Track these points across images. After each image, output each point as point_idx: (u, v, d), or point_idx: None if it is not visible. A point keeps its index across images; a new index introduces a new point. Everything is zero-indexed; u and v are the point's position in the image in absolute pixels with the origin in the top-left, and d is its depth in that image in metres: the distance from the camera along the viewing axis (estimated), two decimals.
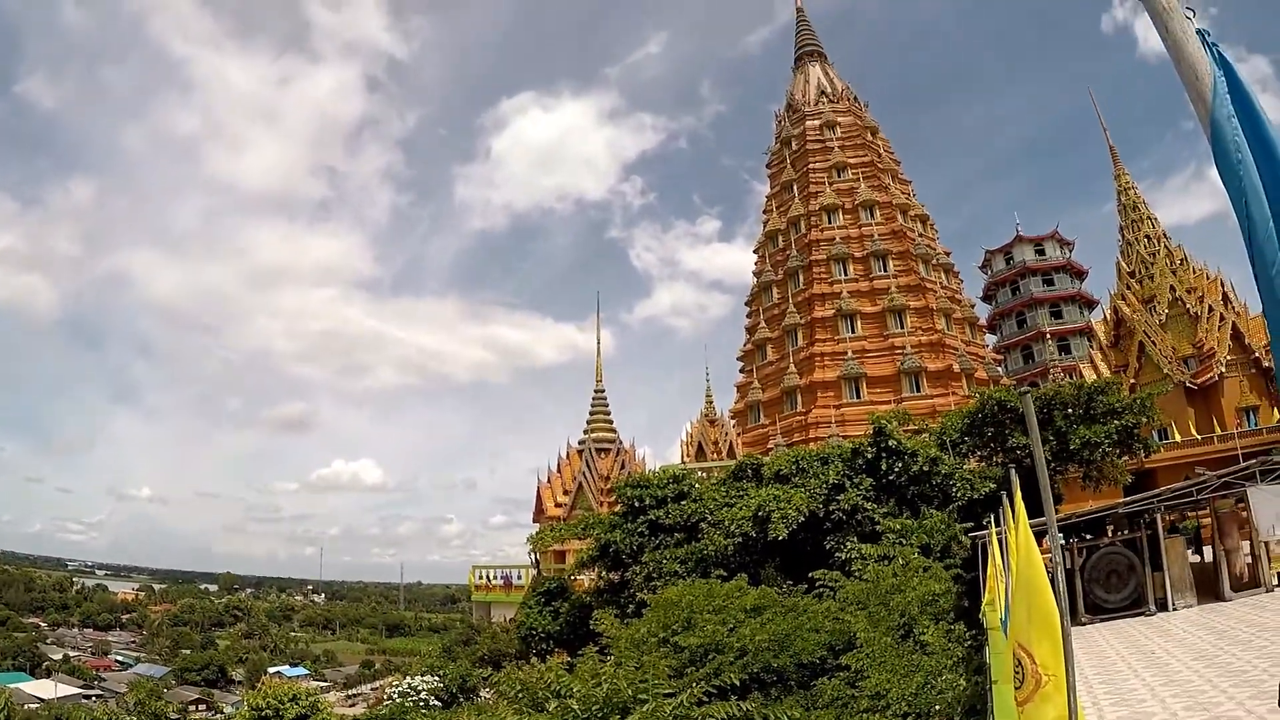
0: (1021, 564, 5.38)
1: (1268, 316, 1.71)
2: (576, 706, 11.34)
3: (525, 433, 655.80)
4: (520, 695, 13.46)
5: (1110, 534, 25.70)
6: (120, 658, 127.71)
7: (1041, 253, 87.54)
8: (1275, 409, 53.66)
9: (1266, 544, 20.63)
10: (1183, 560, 21.63)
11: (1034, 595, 5.12)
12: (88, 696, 79.03)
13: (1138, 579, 21.59)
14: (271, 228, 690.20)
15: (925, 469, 32.47)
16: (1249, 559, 21.71)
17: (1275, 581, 20.45)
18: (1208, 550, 25.32)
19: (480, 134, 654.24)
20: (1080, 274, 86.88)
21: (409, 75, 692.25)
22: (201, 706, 79.48)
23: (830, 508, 32.29)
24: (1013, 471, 6.38)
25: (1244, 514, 21.84)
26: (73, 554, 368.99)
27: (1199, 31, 2.13)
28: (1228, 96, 2.03)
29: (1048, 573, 4.98)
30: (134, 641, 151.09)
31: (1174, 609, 20.35)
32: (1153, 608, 20.75)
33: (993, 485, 31.76)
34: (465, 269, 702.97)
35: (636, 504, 36.99)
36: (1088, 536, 25.12)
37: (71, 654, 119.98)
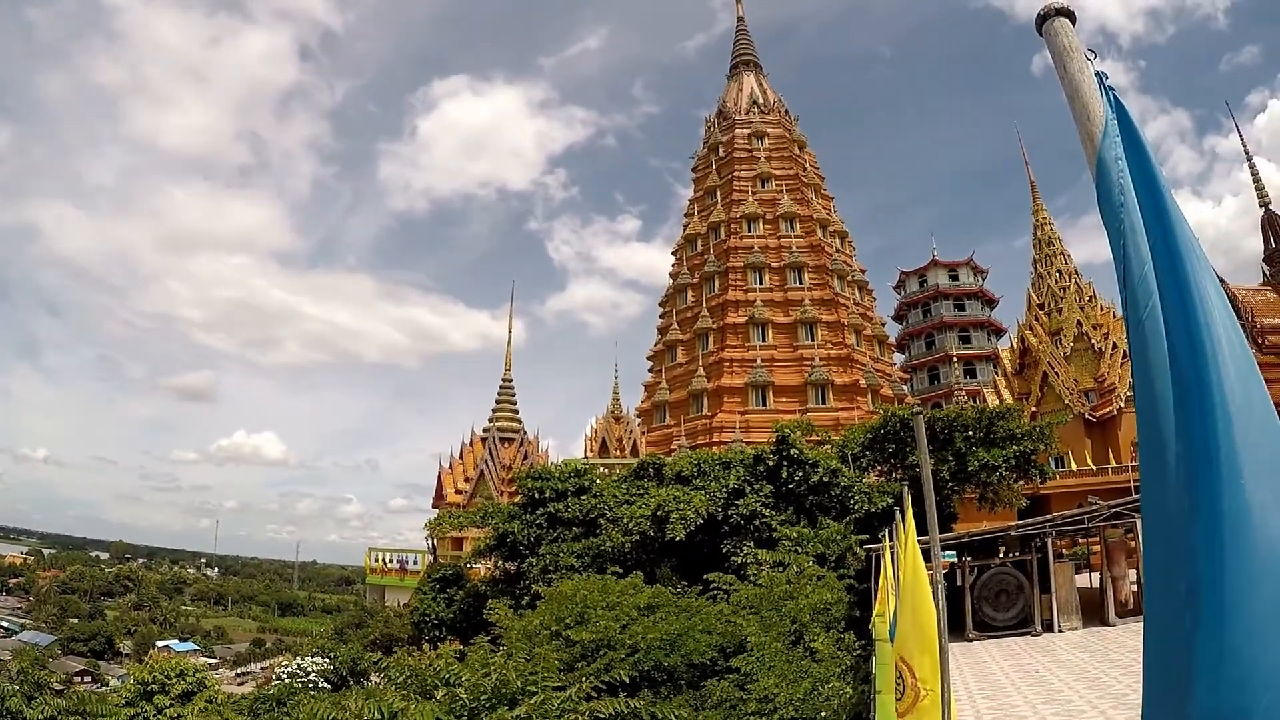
0: (908, 579, 5.50)
1: (1134, 359, 1.77)
2: (464, 695, 11.23)
3: (432, 418, 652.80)
4: (409, 681, 13.32)
5: (1002, 555, 26.39)
6: (4, 623, 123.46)
7: (955, 278, 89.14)
8: None
9: None
10: (1070, 584, 22.29)
11: (918, 611, 5.24)
12: None
13: (1026, 599, 22.16)
14: (189, 190, 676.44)
15: (825, 480, 32.91)
16: (1134, 587, 22.45)
17: None
18: (1095, 576, 26.10)
19: (409, 112, 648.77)
20: (991, 302, 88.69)
21: (343, 47, 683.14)
22: (87, 678, 77.10)
23: (729, 512, 32.57)
24: (905, 488, 6.52)
25: (1132, 543, 22.60)
26: None
27: (1097, 73, 2.21)
28: (1118, 138, 2.10)
29: (932, 590, 5.11)
30: (19, 608, 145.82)
31: (1059, 630, 20.95)
32: (1039, 628, 21.33)
33: (890, 500, 32.25)
34: (383, 248, 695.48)
35: (537, 495, 36.88)
36: (980, 556, 25.75)
37: None
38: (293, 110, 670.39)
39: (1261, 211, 49.69)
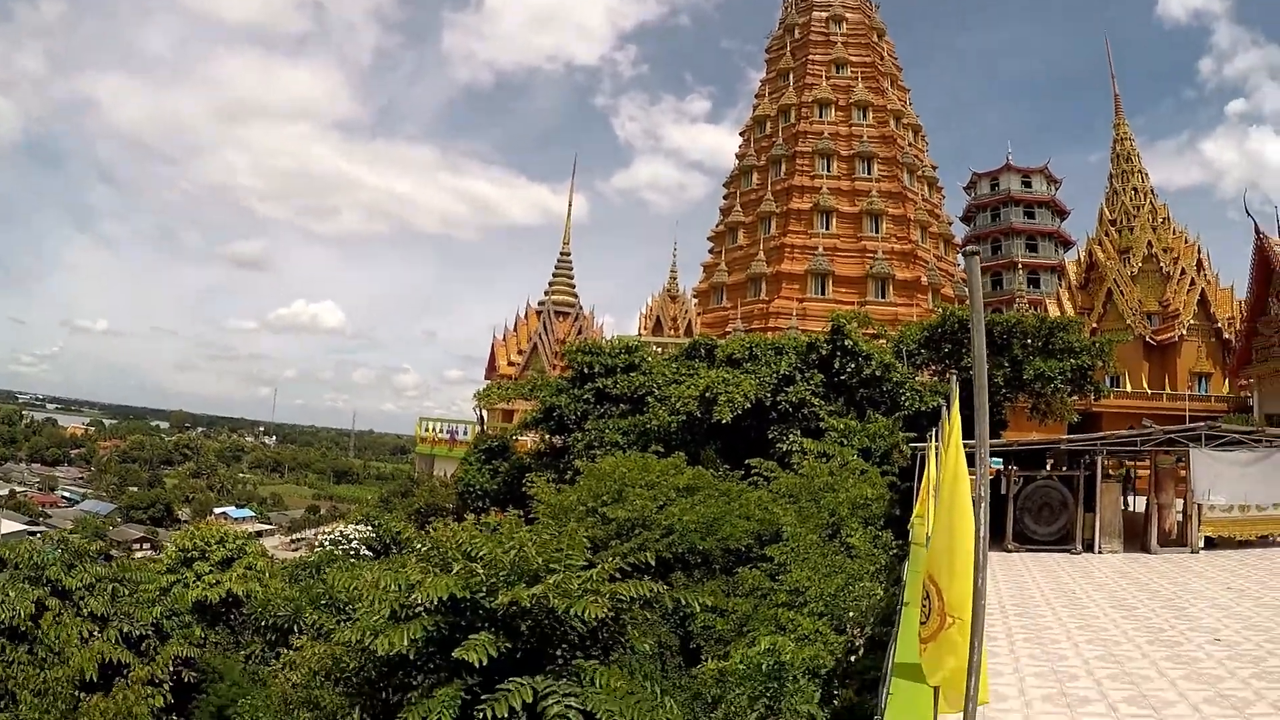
0: (947, 488, 5.05)
1: None
2: (481, 571, 11.12)
3: (490, 290, 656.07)
4: (431, 553, 13.29)
5: (1049, 468, 25.98)
6: (67, 494, 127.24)
7: (1028, 185, 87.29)
8: (1227, 379, 54.70)
9: (1199, 506, 20.85)
10: (1116, 506, 21.83)
11: (954, 528, 4.74)
12: (33, 532, 78.82)
13: (1069, 516, 21.78)
14: (247, 59, 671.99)
15: (877, 374, 32.50)
16: (1180, 517, 21.98)
17: (1201, 544, 20.71)
18: (1140, 501, 25.66)
19: None
20: (1062, 213, 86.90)
21: None
22: (146, 545, 79.20)
23: (778, 398, 32.33)
24: (955, 382, 6.06)
25: (1182, 473, 22.05)
26: (24, 387, 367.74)
27: None
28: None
29: (974, 507, 4.63)
30: (81, 478, 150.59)
31: (1100, 552, 20.59)
32: (1079, 547, 20.98)
33: (942, 400, 31.91)
34: (445, 119, 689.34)
35: (586, 370, 36.85)
36: (1027, 467, 25.38)
37: (18, 489, 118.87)
38: None
39: None
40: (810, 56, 73.43)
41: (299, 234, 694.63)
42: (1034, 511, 22.44)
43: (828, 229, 65.96)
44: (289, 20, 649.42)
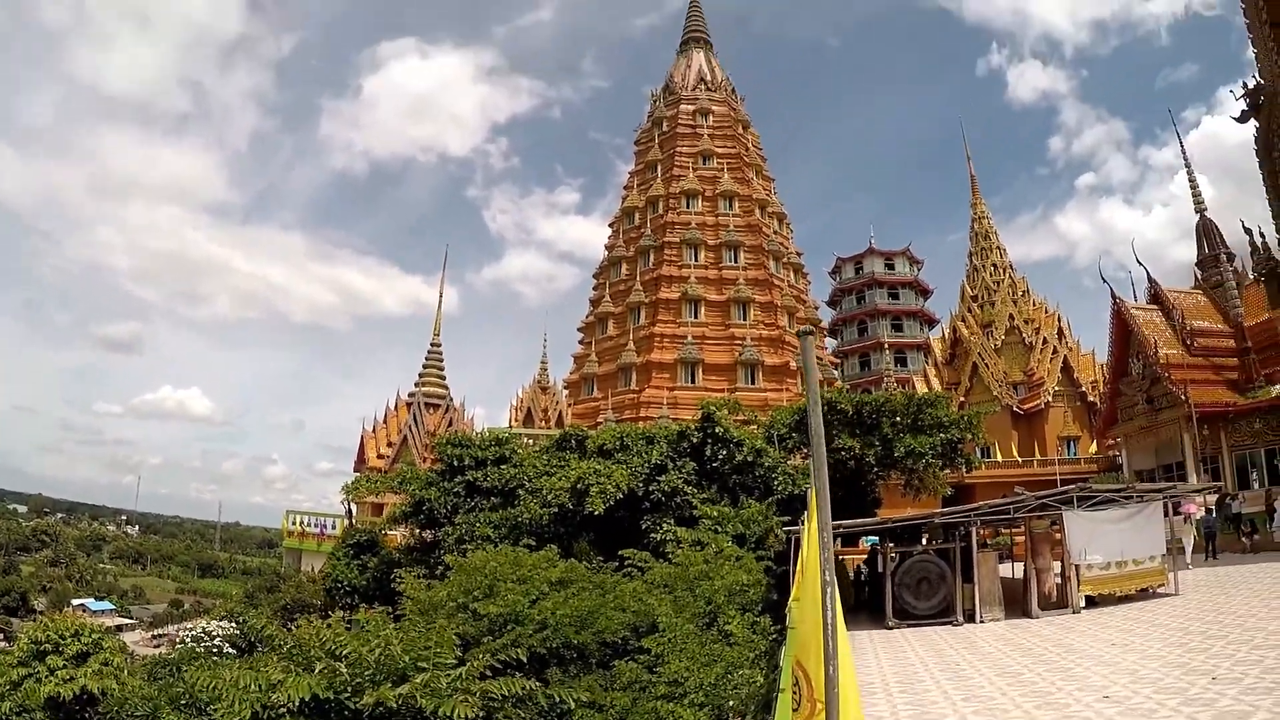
0: (812, 571, 4.75)
1: None
2: (345, 670, 10.39)
3: (360, 381, 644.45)
4: (294, 651, 12.42)
5: (925, 542, 26.07)
6: None
7: (891, 267, 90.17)
8: (1094, 441, 56.53)
9: (1077, 566, 21.10)
10: (993, 575, 21.94)
11: (819, 610, 4.49)
12: None
13: (948, 589, 21.79)
14: (126, 135, 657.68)
15: (749, 459, 32.33)
16: (1059, 579, 22.19)
17: (1082, 604, 20.91)
18: (1019, 566, 25.96)
19: (355, 71, 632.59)
20: (925, 292, 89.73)
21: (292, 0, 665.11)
22: None
23: (650, 487, 31.82)
24: (812, 468, 5.74)
25: (1058, 535, 22.39)
26: None
27: None
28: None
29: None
30: None
31: (981, 621, 20.59)
32: (961, 618, 20.96)
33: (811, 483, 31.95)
34: (319, 206, 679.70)
35: (456, 463, 35.84)
36: (903, 543, 25.40)
37: None
38: (237, 60, 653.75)
39: (1197, 218, 50.66)
40: (678, 149, 74.88)
41: (170, 318, 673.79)
42: (912, 586, 22.37)
43: (696, 317, 66.57)
44: (171, 98, 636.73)
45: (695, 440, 33.07)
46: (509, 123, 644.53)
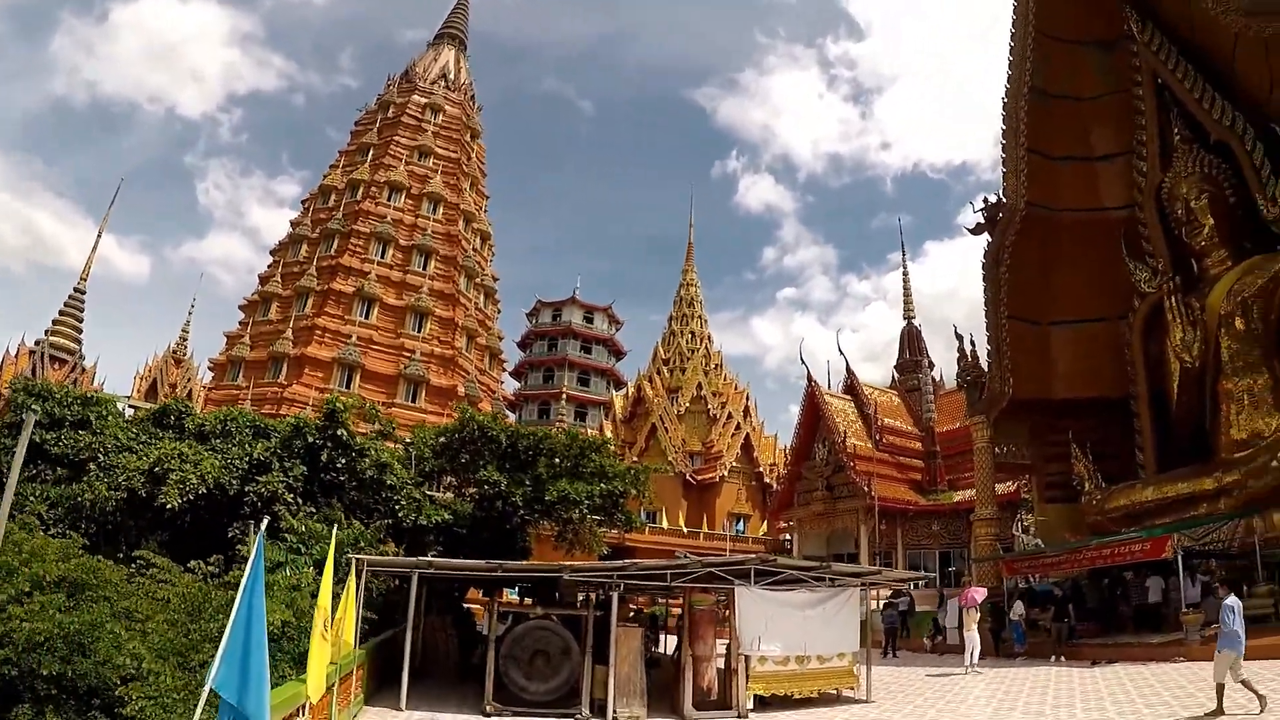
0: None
1: None
2: None
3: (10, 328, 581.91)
4: None
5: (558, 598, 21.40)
6: None
7: (590, 320, 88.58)
8: (765, 521, 56.26)
9: (747, 658, 16.87)
10: (636, 657, 17.09)
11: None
12: None
13: (573, 669, 17.07)
14: None
15: (372, 475, 27.01)
16: (723, 670, 17.92)
17: (749, 705, 16.65)
18: (671, 642, 21.50)
19: None
20: (620, 353, 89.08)
21: None
22: None
23: (247, 488, 25.63)
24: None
25: (725, 613, 18.27)
26: None
27: None
28: None
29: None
30: None
31: (614, 718, 15.99)
32: (586, 710, 16.04)
33: (448, 516, 27.28)
34: (27, 129, 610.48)
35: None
36: (546, 600, 20.67)
37: None
38: None
39: (904, 324, 52.55)
40: (396, 137, 69.49)
41: None
42: (524, 662, 17.49)
43: (367, 318, 60.53)
44: None
45: (312, 440, 27.21)
46: (249, 95, 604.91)
